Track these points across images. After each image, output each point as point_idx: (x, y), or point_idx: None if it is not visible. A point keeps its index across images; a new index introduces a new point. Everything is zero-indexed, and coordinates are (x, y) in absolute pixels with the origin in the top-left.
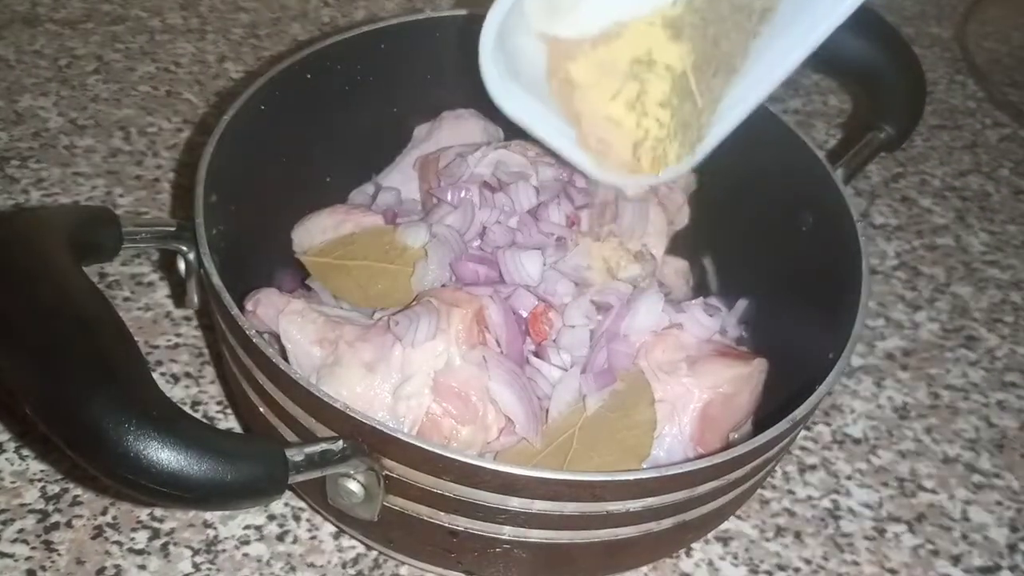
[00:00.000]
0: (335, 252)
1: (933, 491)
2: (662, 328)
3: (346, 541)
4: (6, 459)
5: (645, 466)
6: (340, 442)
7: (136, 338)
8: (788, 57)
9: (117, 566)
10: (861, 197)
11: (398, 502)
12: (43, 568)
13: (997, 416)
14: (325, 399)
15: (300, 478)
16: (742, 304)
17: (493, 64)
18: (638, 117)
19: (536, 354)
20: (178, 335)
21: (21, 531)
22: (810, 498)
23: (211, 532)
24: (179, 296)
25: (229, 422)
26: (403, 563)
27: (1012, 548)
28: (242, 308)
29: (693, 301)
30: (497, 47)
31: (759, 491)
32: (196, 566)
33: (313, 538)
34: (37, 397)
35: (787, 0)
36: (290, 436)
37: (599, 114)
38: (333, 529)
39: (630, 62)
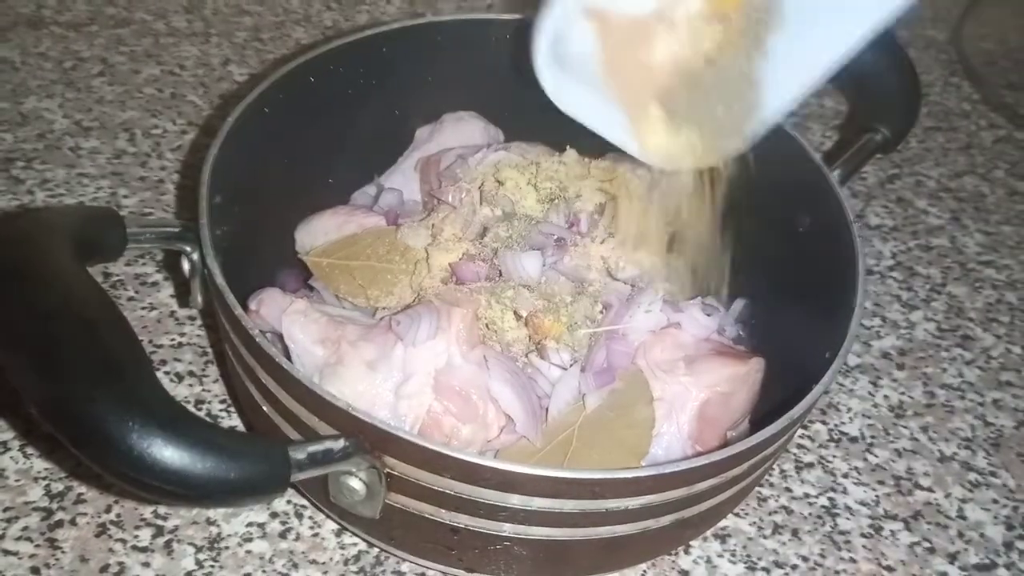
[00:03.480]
0: (337, 252)
1: (929, 489)
2: (660, 327)
3: (348, 538)
4: (10, 457)
5: (644, 464)
6: (342, 440)
7: (140, 337)
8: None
9: (121, 563)
10: (857, 198)
11: (400, 500)
12: (47, 566)
13: (993, 415)
14: (327, 398)
15: (302, 476)
16: (739, 304)
17: (546, 57)
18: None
19: (536, 353)
20: (182, 334)
21: (25, 529)
22: (807, 496)
23: (214, 529)
24: (183, 296)
25: (232, 420)
26: (404, 560)
27: (1008, 546)
28: (245, 308)
29: (691, 301)
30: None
31: (757, 489)
32: (199, 563)
33: (315, 535)
34: (42, 396)
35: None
36: (293, 434)
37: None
38: (335, 527)
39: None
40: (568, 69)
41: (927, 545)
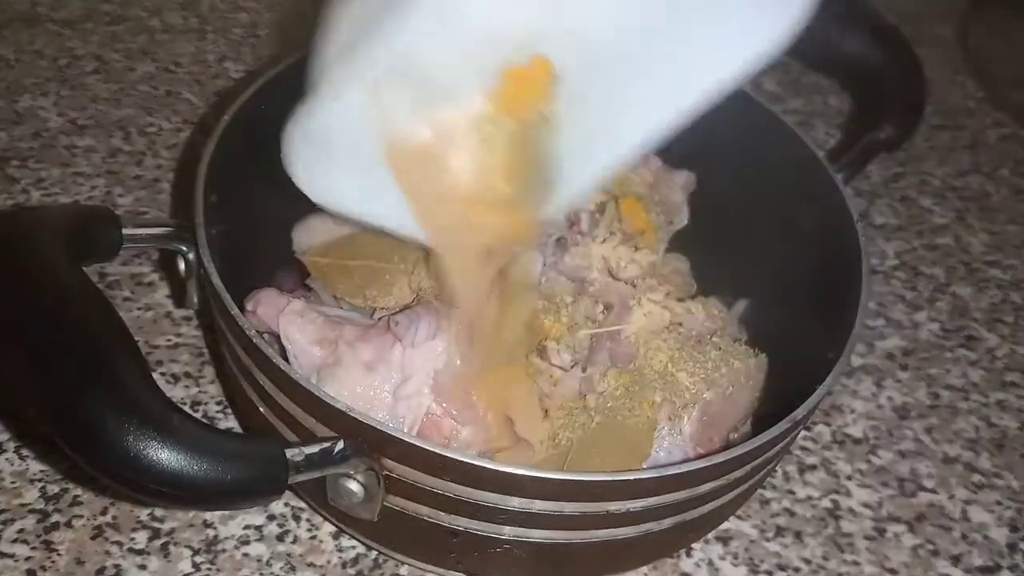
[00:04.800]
0: (335, 252)
1: (933, 491)
2: (662, 328)
3: (346, 541)
4: (6, 459)
5: (645, 466)
6: (340, 442)
7: (136, 338)
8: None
9: (117, 566)
10: (861, 197)
11: (398, 502)
12: (43, 568)
13: (997, 416)
14: (325, 399)
15: (300, 478)
16: (742, 304)
17: (303, 143)
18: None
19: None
20: (178, 335)
21: (21, 531)
22: (810, 498)
23: (211, 532)
24: (179, 296)
25: (229, 422)
26: (403, 563)
27: (1012, 548)
28: (242, 308)
29: (693, 301)
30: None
31: (759, 491)
32: (196, 566)
33: (313, 538)
34: (37, 398)
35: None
36: (290, 436)
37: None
38: (333, 529)
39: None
40: (331, 156)
41: (931, 547)
